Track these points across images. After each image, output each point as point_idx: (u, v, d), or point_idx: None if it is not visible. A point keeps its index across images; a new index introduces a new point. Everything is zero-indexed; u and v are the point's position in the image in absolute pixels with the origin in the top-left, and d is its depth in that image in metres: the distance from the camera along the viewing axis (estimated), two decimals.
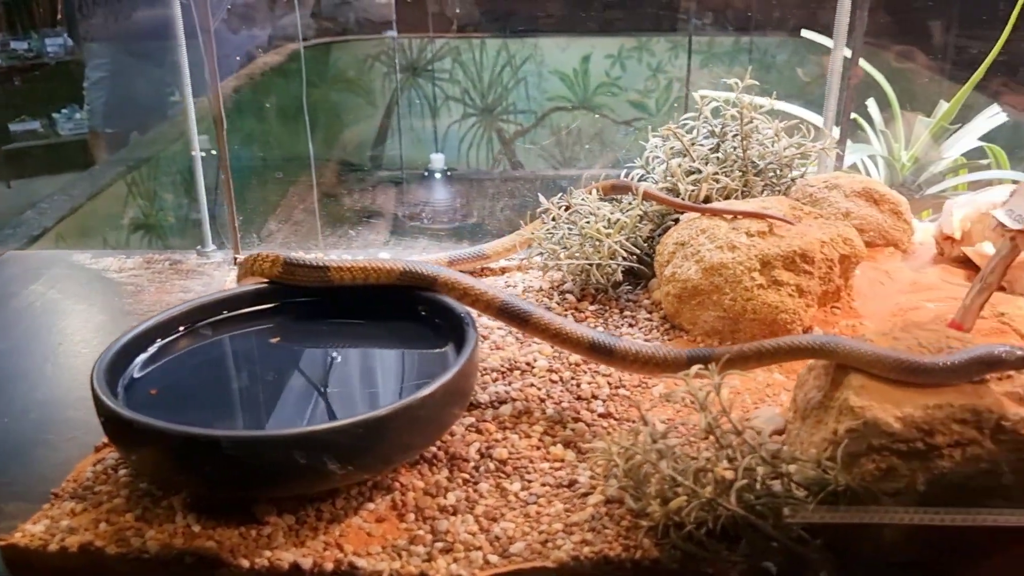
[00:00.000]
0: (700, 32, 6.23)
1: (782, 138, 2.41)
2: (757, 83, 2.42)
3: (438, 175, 6.33)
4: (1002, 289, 2.19)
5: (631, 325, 2.26)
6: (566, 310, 2.34)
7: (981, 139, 3.64)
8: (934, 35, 4.32)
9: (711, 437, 1.50)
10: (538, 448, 1.77)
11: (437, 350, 1.80)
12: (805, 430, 1.57)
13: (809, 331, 2.05)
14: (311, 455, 1.37)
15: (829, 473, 1.42)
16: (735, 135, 2.41)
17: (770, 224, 2.11)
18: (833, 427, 1.46)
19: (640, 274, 2.40)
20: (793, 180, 2.47)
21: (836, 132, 2.84)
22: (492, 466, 1.71)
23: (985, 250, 2.25)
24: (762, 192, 2.46)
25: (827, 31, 2.95)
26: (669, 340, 2.17)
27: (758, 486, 1.44)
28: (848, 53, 2.77)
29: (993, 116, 3.61)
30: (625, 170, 2.58)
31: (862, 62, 3.48)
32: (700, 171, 2.35)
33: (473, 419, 1.84)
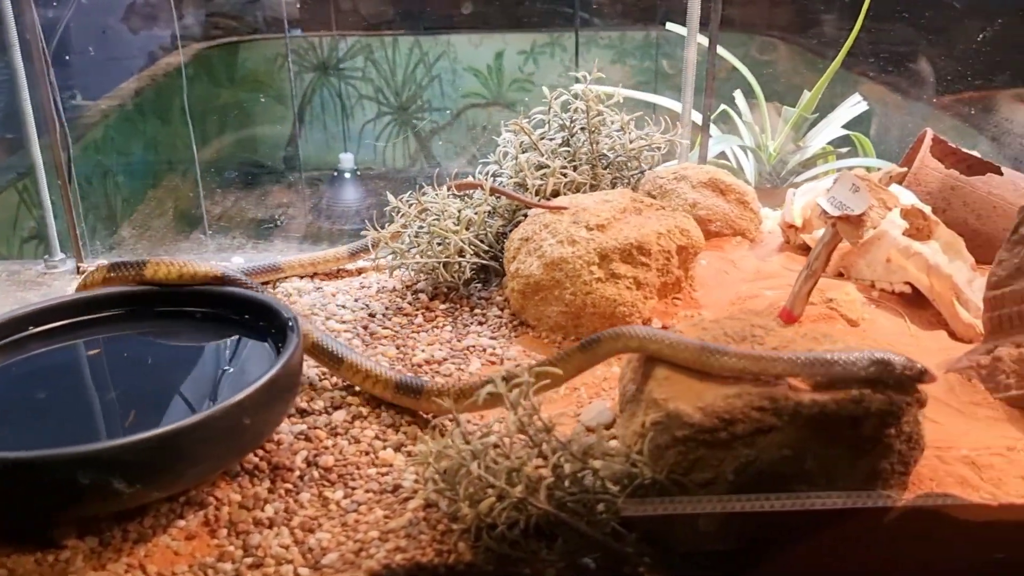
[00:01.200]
0: (589, 26, 6.27)
1: (629, 130, 2.41)
2: (603, 75, 2.42)
3: (347, 175, 6.23)
4: (840, 275, 2.24)
5: (481, 323, 2.24)
6: (417, 310, 2.30)
7: (849, 127, 3.74)
8: (800, 25, 4.42)
9: (524, 436, 1.48)
10: (367, 453, 1.73)
11: (257, 355, 1.74)
12: (623, 423, 1.57)
13: (648, 323, 2.05)
14: (95, 475, 1.30)
15: (637, 467, 1.42)
16: (583, 128, 2.40)
17: (610, 217, 2.11)
18: (642, 419, 1.46)
19: (493, 271, 2.38)
20: (642, 172, 2.48)
21: (699, 121, 2.87)
22: (317, 475, 1.66)
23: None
24: (613, 185, 2.47)
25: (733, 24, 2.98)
26: (516, 337, 2.15)
27: (567, 483, 1.42)
28: (703, 42, 2.79)
29: (855, 105, 3.70)
30: (480, 165, 2.55)
31: (725, 53, 3.54)
32: (548, 166, 2.34)
33: (305, 426, 1.79)
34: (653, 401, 1.43)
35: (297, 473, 1.66)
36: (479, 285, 2.38)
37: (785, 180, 3.56)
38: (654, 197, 2.48)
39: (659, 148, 2.49)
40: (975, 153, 2.57)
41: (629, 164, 2.45)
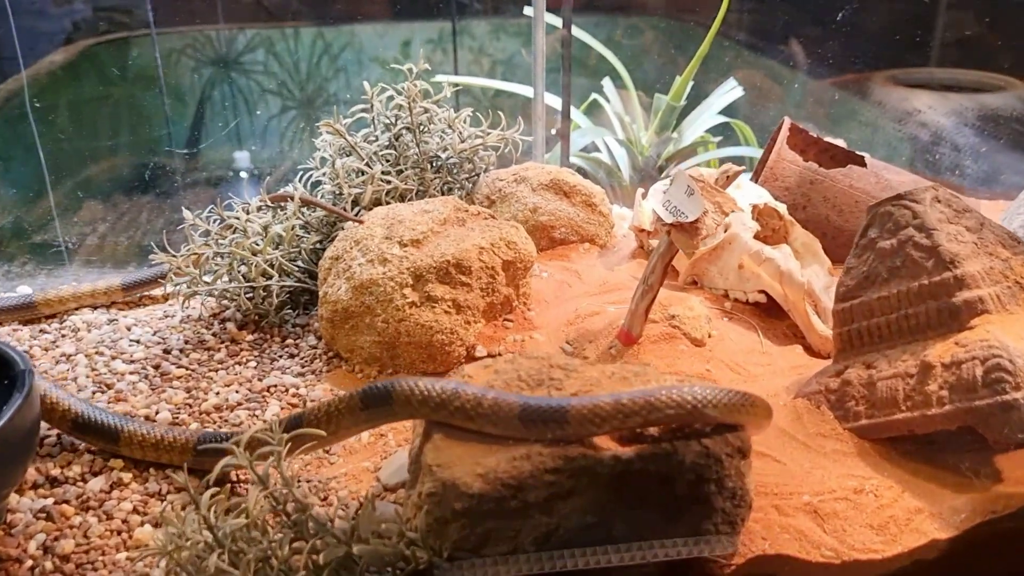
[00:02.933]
0: (476, 13, 6.00)
1: (459, 129, 2.15)
2: (428, 67, 2.15)
3: (243, 175, 5.83)
4: (694, 283, 2.02)
5: (292, 355, 1.95)
6: (222, 343, 2.00)
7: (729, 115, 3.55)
8: (675, 5, 4.21)
9: (280, 516, 1.21)
10: (118, 533, 1.43)
11: None
12: (409, 487, 1.31)
13: (472, 350, 1.80)
14: None
15: (411, 548, 1.17)
16: (407, 128, 2.13)
17: (428, 231, 1.84)
18: (419, 490, 1.20)
19: (310, 294, 2.09)
20: (477, 175, 2.22)
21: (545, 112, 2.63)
22: (50, 566, 1.36)
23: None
24: (446, 191, 2.21)
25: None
26: (328, 372, 1.87)
27: (326, 574, 1.16)
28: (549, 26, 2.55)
29: (731, 91, 3.52)
30: (300, 172, 2.26)
31: (591, 40, 3.31)
32: (364, 172, 2.06)
33: (51, 500, 1.49)
34: (428, 468, 1.17)
35: (28, 565, 1.36)
36: (294, 311, 2.09)
37: (659, 174, 3.35)
38: (493, 202, 2.23)
39: (497, 147, 2.23)
40: (839, 142, 2.39)
41: (463, 166, 2.19)
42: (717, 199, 1.62)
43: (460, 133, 2.14)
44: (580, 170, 3.51)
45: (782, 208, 2.01)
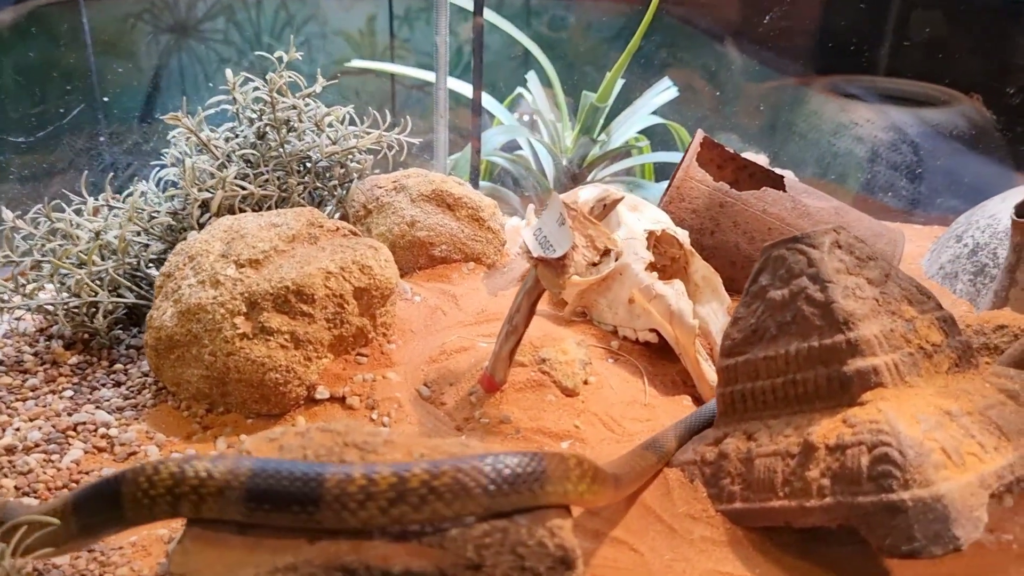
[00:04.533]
0: None
1: (326, 128, 1.90)
2: (299, 57, 1.90)
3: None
4: (583, 314, 1.80)
5: (117, 384, 1.71)
6: (41, 365, 1.75)
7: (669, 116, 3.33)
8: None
9: None
10: None
11: None
12: None
13: (313, 390, 1.56)
14: None
15: None
16: (271, 125, 1.88)
17: (270, 249, 1.60)
18: None
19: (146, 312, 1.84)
20: (350, 180, 1.98)
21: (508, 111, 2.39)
22: None
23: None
24: (314, 198, 1.96)
25: None
26: (155, 406, 1.63)
27: None
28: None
29: (665, 91, 3.29)
30: (156, 168, 2.00)
31: (515, 31, 3.07)
32: (214, 174, 1.81)
33: None
34: None
35: None
36: (131, 331, 1.84)
37: (583, 178, 3.12)
38: (370, 212, 1.99)
39: (377, 150, 1.98)
40: (761, 157, 2.18)
41: (333, 171, 1.94)
42: (590, 232, 1.39)
43: (329, 134, 1.88)
44: (501, 171, 3.28)
45: (683, 235, 1.79)
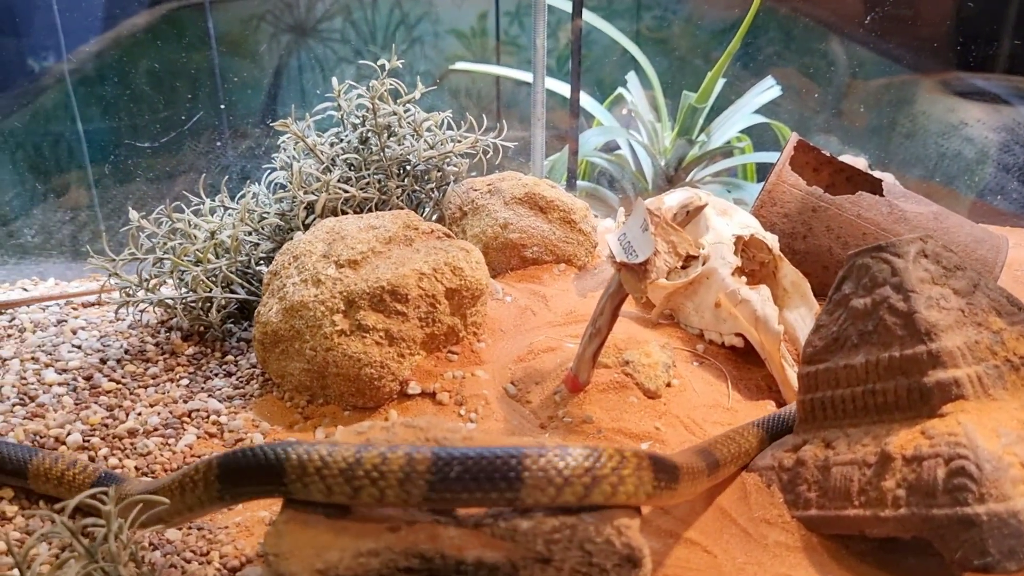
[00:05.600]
0: None
1: (424, 133, 1.98)
2: (400, 65, 1.99)
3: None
4: (670, 318, 1.83)
5: (229, 374, 1.83)
6: (161, 354, 1.89)
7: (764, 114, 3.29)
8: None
9: None
10: None
11: None
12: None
13: (406, 385, 1.64)
14: None
15: None
16: (373, 131, 1.98)
17: (368, 250, 1.69)
18: None
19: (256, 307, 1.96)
20: (447, 184, 2.05)
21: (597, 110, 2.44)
22: None
23: None
24: (413, 201, 2.04)
25: None
26: (260, 396, 1.74)
27: None
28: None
29: (768, 89, 3.25)
30: (267, 171, 2.13)
31: (615, 33, 3.09)
32: (319, 178, 1.92)
33: None
34: (265, 556, 1.02)
35: None
36: (241, 323, 1.97)
37: (683, 179, 3.12)
38: (465, 214, 2.06)
39: (472, 154, 2.05)
40: (860, 161, 2.14)
41: (430, 175, 2.02)
42: (672, 238, 1.42)
43: (427, 138, 1.96)
44: (600, 171, 3.31)
45: (771, 240, 1.79)
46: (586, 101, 3.27)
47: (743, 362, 1.71)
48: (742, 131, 3.34)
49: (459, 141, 2.03)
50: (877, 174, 2.18)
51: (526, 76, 3.31)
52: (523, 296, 1.93)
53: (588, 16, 3.16)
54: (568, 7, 3.01)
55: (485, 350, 1.75)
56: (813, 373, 1.35)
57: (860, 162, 2.15)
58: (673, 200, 1.72)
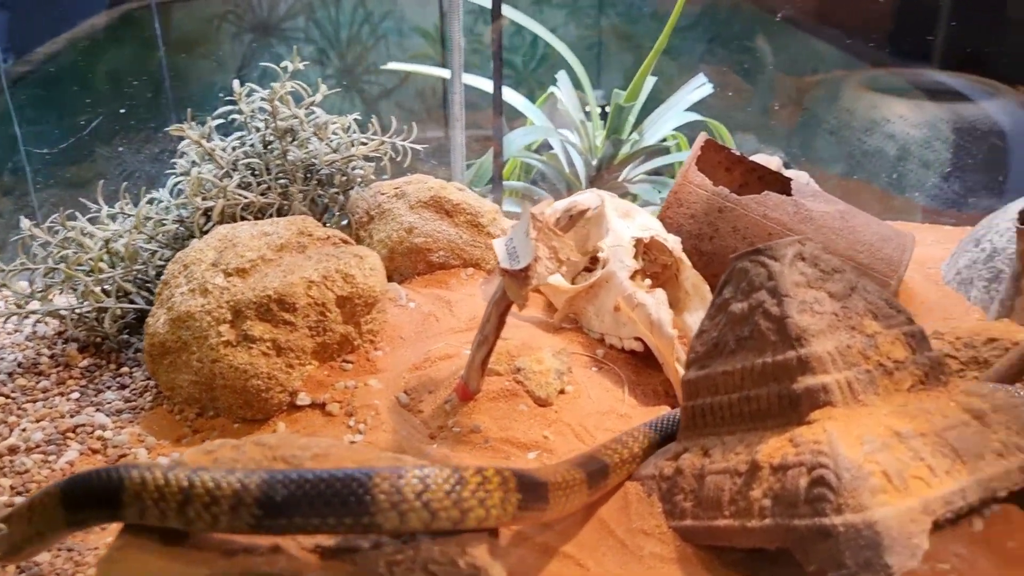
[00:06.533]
0: None
1: (326, 137, 1.94)
2: (303, 67, 1.94)
3: None
4: (575, 322, 1.80)
5: (122, 387, 1.78)
6: (55, 367, 1.84)
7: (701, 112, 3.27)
8: None
9: None
10: None
11: None
12: None
13: (295, 396, 1.60)
14: None
15: None
16: (275, 134, 1.93)
17: (258, 258, 1.64)
18: None
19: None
20: (351, 188, 2.01)
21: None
22: None
23: (551, 279, 1.83)
24: (318, 206, 2.00)
25: None
26: (151, 409, 1.70)
27: None
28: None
29: (700, 87, 3.24)
30: (170, 176, 2.07)
31: (539, 28, 3.07)
32: (215, 184, 1.87)
33: None
34: None
35: None
36: (139, 334, 1.91)
37: (617, 178, 3.10)
38: (372, 218, 2.02)
39: (378, 157, 2.01)
40: (773, 160, 2.13)
41: (334, 179, 1.98)
42: (554, 243, 1.39)
43: (326, 143, 1.92)
44: (538, 172, 3.28)
45: (673, 242, 1.76)
46: (518, 101, 3.24)
47: (643, 367, 1.69)
48: (678, 129, 3.33)
49: (364, 144, 1.99)
50: (791, 173, 2.17)
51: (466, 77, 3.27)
52: (428, 302, 1.89)
53: (516, 15, 3.14)
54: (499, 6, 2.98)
55: (382, 358, 1.71)
56: (694, 379, 1.33)
57: (774, 161, 2.14)
58: (561, 204, 1.69)
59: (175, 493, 0.96)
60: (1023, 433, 1.19)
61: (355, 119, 2.05)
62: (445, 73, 3.17)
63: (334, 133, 2.02)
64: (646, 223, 1.78)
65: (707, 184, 1.90)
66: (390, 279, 1.99)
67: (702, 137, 1.99)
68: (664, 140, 3.31)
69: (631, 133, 3.14)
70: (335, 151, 1.95)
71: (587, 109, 3.21)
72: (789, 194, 1.93)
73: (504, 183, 3.35)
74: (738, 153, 2.05)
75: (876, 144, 2.74)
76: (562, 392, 1.56)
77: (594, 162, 3.15)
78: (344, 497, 0.95)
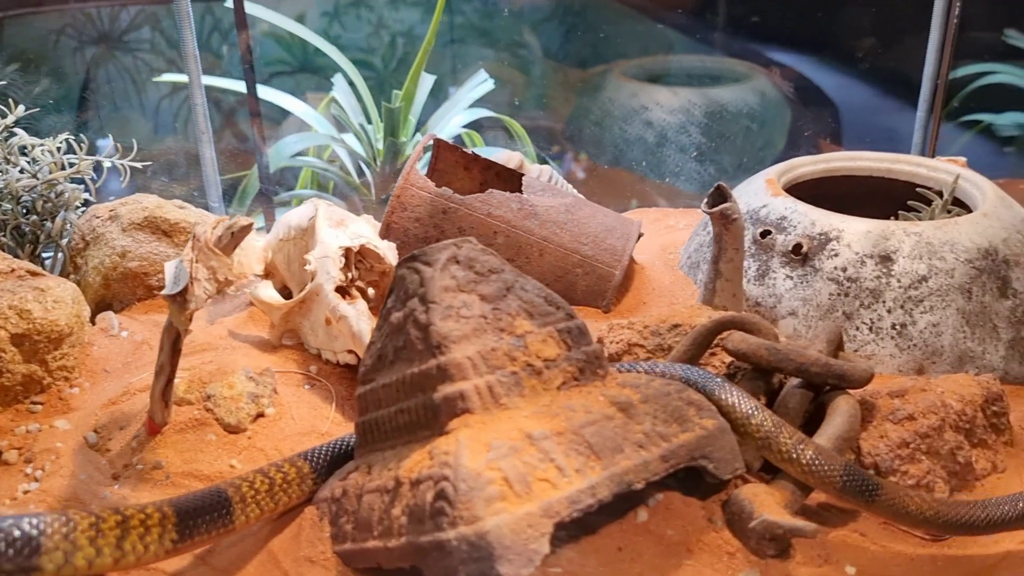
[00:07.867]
0: None
1: (16, 161, 1.81)
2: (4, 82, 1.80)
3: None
4: (297, 339, 1.73)
5: None
6: None
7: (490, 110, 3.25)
8: None
9: None
10: None
11: None
12: None
13: None
14: None
15: None
16: None
17: None
18: None
19: None
20: (55, 214, 1.89)
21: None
22: None
23: (263, 295, 1.76)
24: (31, 240, 1.87)
25: None
26: None
27: None
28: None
29: (482, 83, 3.22)
30: None
31: (318, 41, 2.98)
32: None
33: None
34: None
35: None
36: None
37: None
38: (88, 244, 1.90)
39: (91, 178, 1.89)
40: (514, 156, 2.12)
41: (36, 205, 1.85)
42: (212, 263, 1.32)
43: (15, 168, 1.79)
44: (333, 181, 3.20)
45: (386, 248, 1.72)
46: (301, 108, 3.15)
47: (356, 380, 1.63)
48: (468, 127, 3.30)
49: (71, 166, 1.86)
50: (535, 167, 2.16)
51: (237, 85, 3.16)
52: (143, 329, 1.79)
53: (272, 16, 3.05)
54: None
55: (78, 396, 1.60)
56: (363, 394, 1.29)
57: (515, 157, 2.13)
58: (229, 222, 1.62)
59: None
60: (669, 422, 1.19)
61: (67, 139, 1.92)
62: (224, 83, 3.06)
63: (41, 155, 1.88)
64: (359, 231, 1.73)
65: (429, 186, 1.87)
66: (109, 307, 1.88)
67: (428, 137, 1.95)
68: (458, 138, 3.28)
69: (415, 134, 3.10)
70: (34, 176, 1.82)
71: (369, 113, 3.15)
72: (520, 191, 1.92)
73: (296, 192, 3.26)
74: (471, 152, 2.02)
75: (636, 132, 2.78)
76: (261, 416, 1.50)
77: (377, 167, 3.08)
78: None
